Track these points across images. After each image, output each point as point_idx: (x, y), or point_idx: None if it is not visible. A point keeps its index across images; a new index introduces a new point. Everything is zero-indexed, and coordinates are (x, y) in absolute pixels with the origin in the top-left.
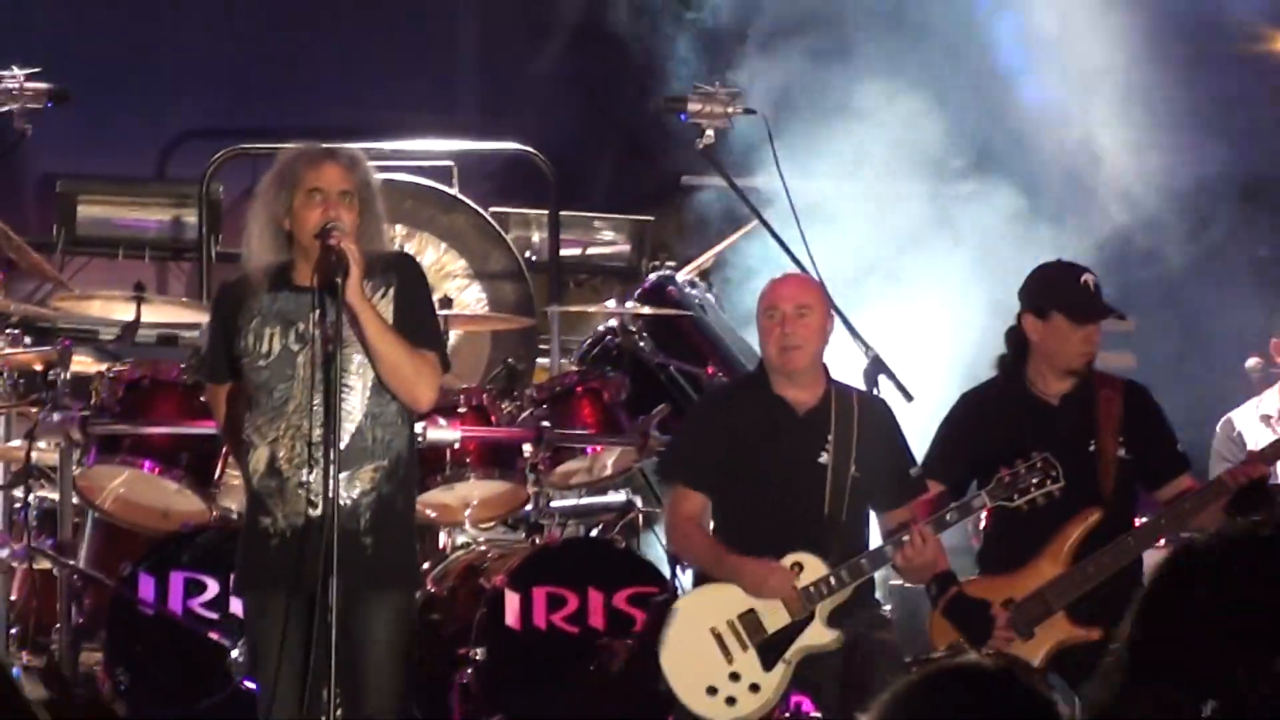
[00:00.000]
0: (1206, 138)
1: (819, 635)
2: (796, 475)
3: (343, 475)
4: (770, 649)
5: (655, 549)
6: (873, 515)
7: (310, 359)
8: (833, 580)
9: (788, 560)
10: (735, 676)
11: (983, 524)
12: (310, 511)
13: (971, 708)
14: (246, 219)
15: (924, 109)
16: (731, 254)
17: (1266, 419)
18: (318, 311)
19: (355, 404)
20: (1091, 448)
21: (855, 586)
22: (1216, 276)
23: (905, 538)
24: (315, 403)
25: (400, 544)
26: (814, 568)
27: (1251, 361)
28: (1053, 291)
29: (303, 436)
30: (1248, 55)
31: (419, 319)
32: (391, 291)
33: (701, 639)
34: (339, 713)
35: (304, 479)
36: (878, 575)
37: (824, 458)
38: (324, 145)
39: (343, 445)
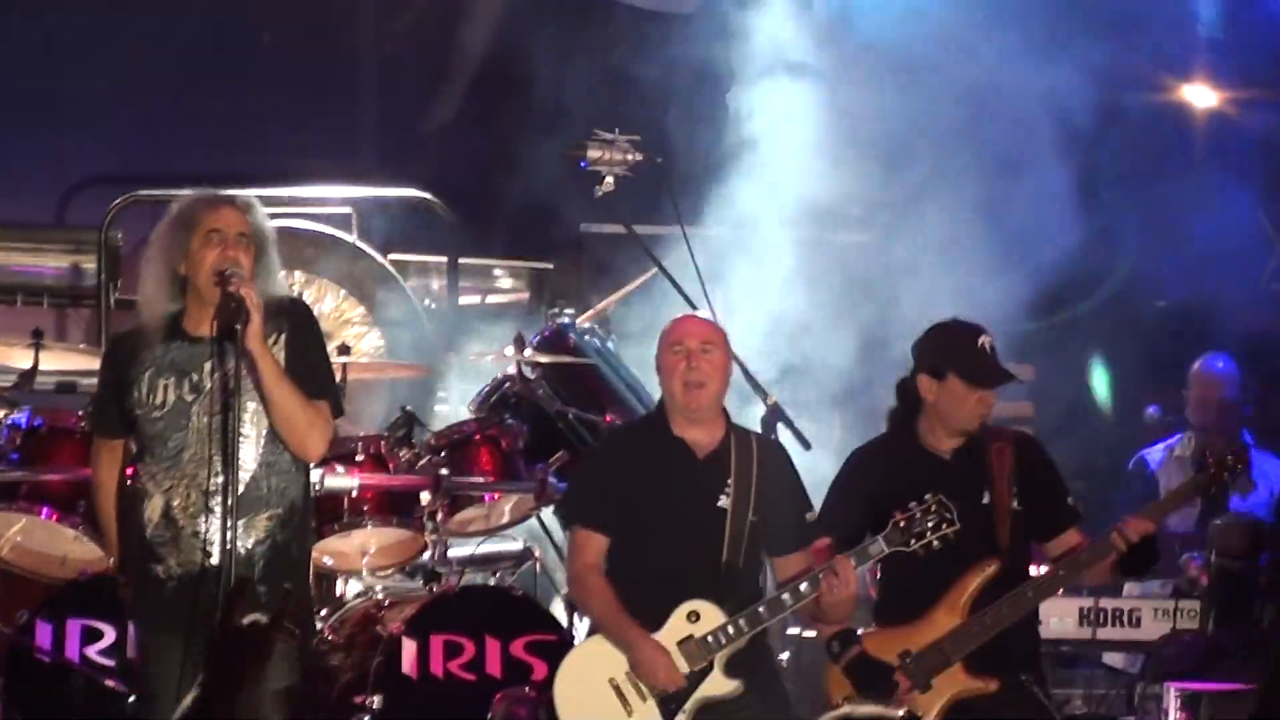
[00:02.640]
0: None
1: (718, 685)
2: (695, 520)
3: (239, 523)
4: (670, 700)
5: (553, 596)
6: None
7: (205, 408)
8: (730, 629)
9: (685, 609)
10: None
11: (878, 575)
12: (205, 561)
13: None
14: (142, 266)
15: (822, 159)
16: (631, 301)
17: (1180, 461)
18: (215, 359)
19: (250, 453)
20: (985, 499)
21: (752, 635)
22: (1114, 327)
23: (822, 574)
24: (211, 452)
25: (296, 591)
26: (711, 616)
27: (1150, 410)
28: (950, 353)
29: (198, 485)
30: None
31: (310, 366)
32: (283, 338)
33: (600, 690)
34: None
35: (198, 528)
36: (776, 626)
37: (723, 501)
38: (218, 191)
39: (238, 493)
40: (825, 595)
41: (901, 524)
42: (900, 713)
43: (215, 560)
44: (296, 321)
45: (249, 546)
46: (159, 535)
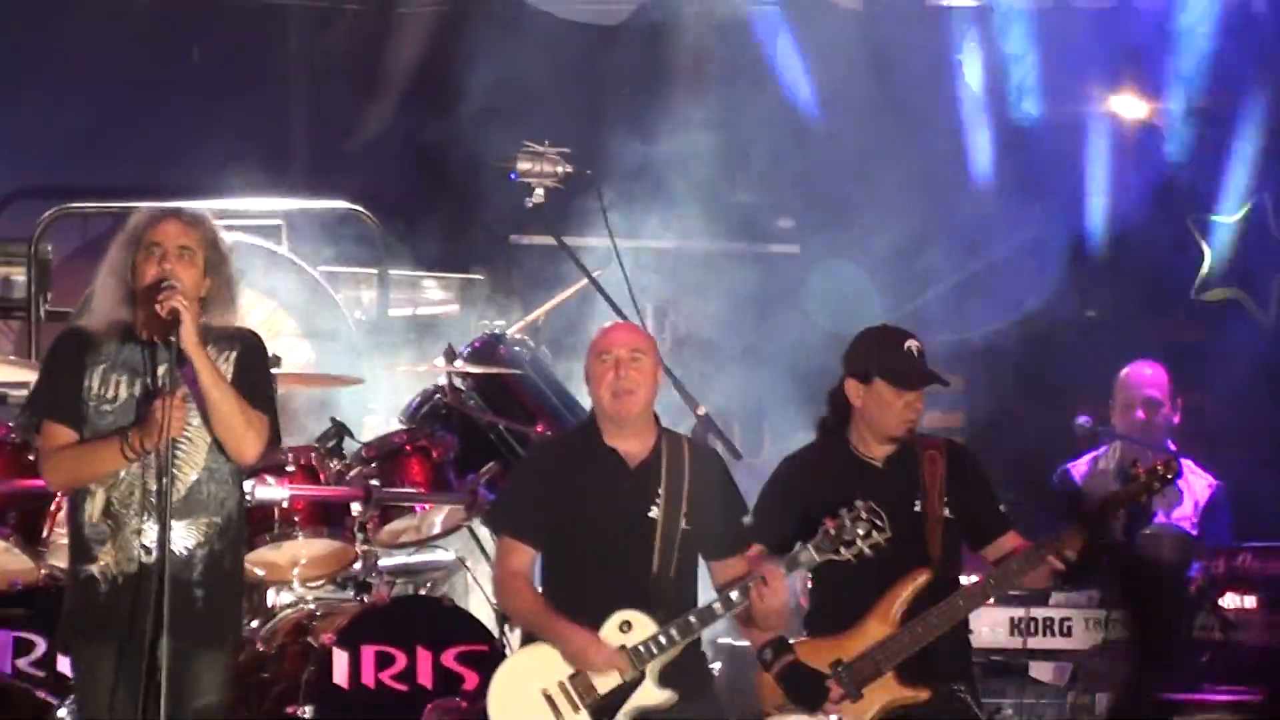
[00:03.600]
0: (1035, 199)
1: (650, 695)
2: (626, 530)
3: (179, 525)
4: (602, 710)
5: (484, 607)
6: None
7: None
8: (662, 639)
9: (616, 619)
10: None
11: (808, 584)
12: (143, 558)
13: None
14: (94, 280)
15: (753, 172)
16: (561, 312)
17: (1104, 474)
18: (152, 364)
19: (197, 458)
20: (917, 508)
21: (685, 644)
22: (1046, 335)
23: (752, 583)
24: (160, 452)
25: (230, 602)
26: (643, 626)
27: (1080, 420)
28: (876, 357)
29: (140, 485)
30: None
31: (255, 383)
32: (233, 356)
33: (532, 700)
34: None
35: (138, 526)
36: (707, 635)
37: (654, 512)
38: (169, 206)
39: (180, 497)
40: (756, 604)
41: (831, 531)
42: None
43: (152, 558)
44: (249, 345)
45: (189, 548)
46: (98, 532)
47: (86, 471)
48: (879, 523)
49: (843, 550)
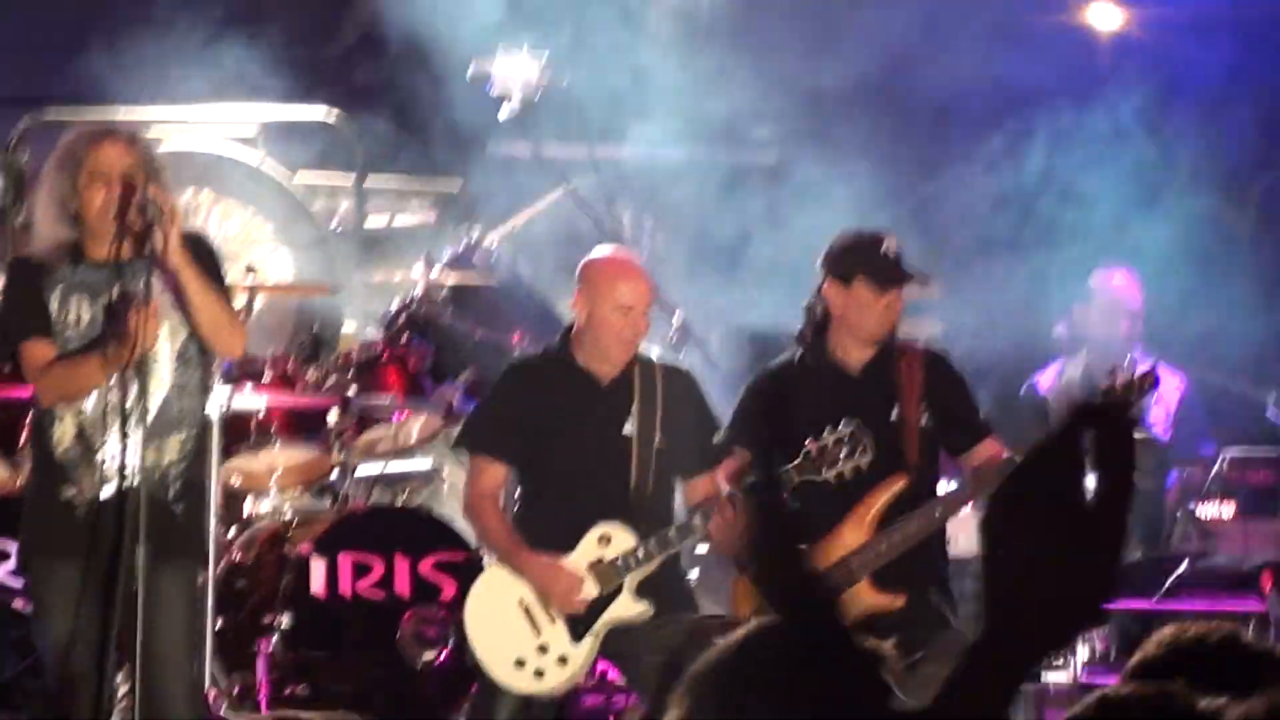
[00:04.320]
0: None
1: (627, 607)
2: (601, 447)
3: (152, 445)
4: (578, 621)
5: (460, 515)
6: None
7: None
8: (640, 553)
9: (595, 532)
10: (543, 649)
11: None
12: (116, 480)
13: (787, 665)
14: (34, 199)
15: (733, 77)
16: (538, 221)
17: (1070, 385)
18: (114, 279)
19: (164, 373)
20: (894, 416)
21: (663, 558)
22: (1025, 241)
23: (713, 512)
24: (127, 373)
25: (201, 514)
26: (622, 539)
27: (1059, 329)
28: (854, 258)
29: (111, 408)
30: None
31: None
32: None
33: (509, 611)
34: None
35: (111, 448)
36: (686, 548)
37: (628, 428)
38: (103, 124)
39: (151, 415)
40: (714, 533)
41: (814, 454)
42: None
43: (131, 483)
44: (202, 252)
45: (163, 467)
46: (70, 457)
47: (74, 388)
48: (863, 445)
49: (824, 471)
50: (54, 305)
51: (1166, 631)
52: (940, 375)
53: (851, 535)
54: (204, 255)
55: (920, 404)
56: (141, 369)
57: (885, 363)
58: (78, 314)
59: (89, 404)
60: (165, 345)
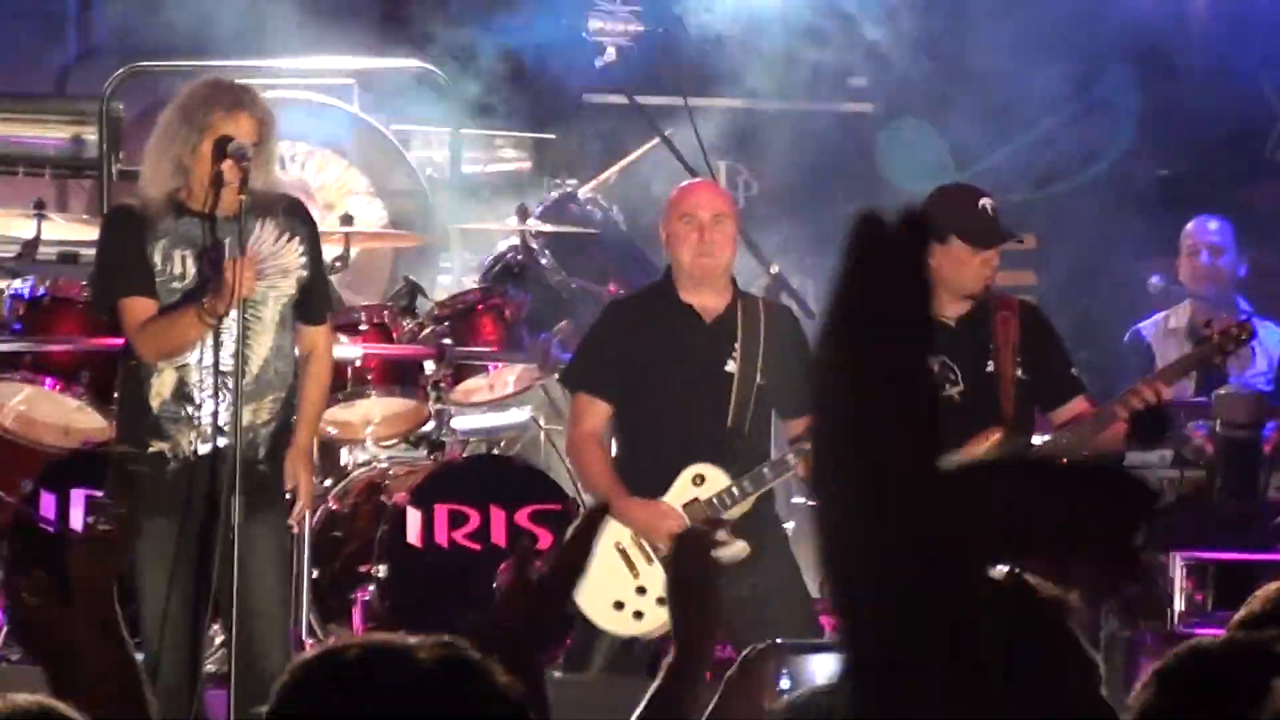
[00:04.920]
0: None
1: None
2: (702, 384)
3: (249, 406)
4: None
5: (558, 466)
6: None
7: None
8: (735, 491)
9: (689, 472)
10: (642, 590)
11: None
12: (215, 437)
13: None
14: (147, 147)
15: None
16: (633, 171)
17: (1174, 334)
18: (214, 234)
19: (265, 338)
20: (990, 369)
21: (757, 498)
22: (1117, 195)
23: (808, 446)
24: (240, 333)
25: (283, 470)
26: (716, 479)
27: (1154, 280)
28: (951, 216)
29: (210, 366)
30: None
31: (326, 284)
32: (298, 240)
33: (607, 554)
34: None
35: (211, 406)
36: (781, 496)
37: (730, 366)
38: (234, 86)
39: (251, 377)
40: (805, 470)
41: None
42: None
43: (224, 442)
44: (311, 229)
45: (256, 427)
46: (168, 412)
47: (173, 343)
48: (952, 376)
49: None
50: (157, 258)
51: (1272, 587)
52: (1036, 329)
53: None
54: (313, 244)
55: (1015, 357)
56: (245, 329)
57: (981, 316)
58: (182, 268)
59: (191, 358)
60: (269, 309)
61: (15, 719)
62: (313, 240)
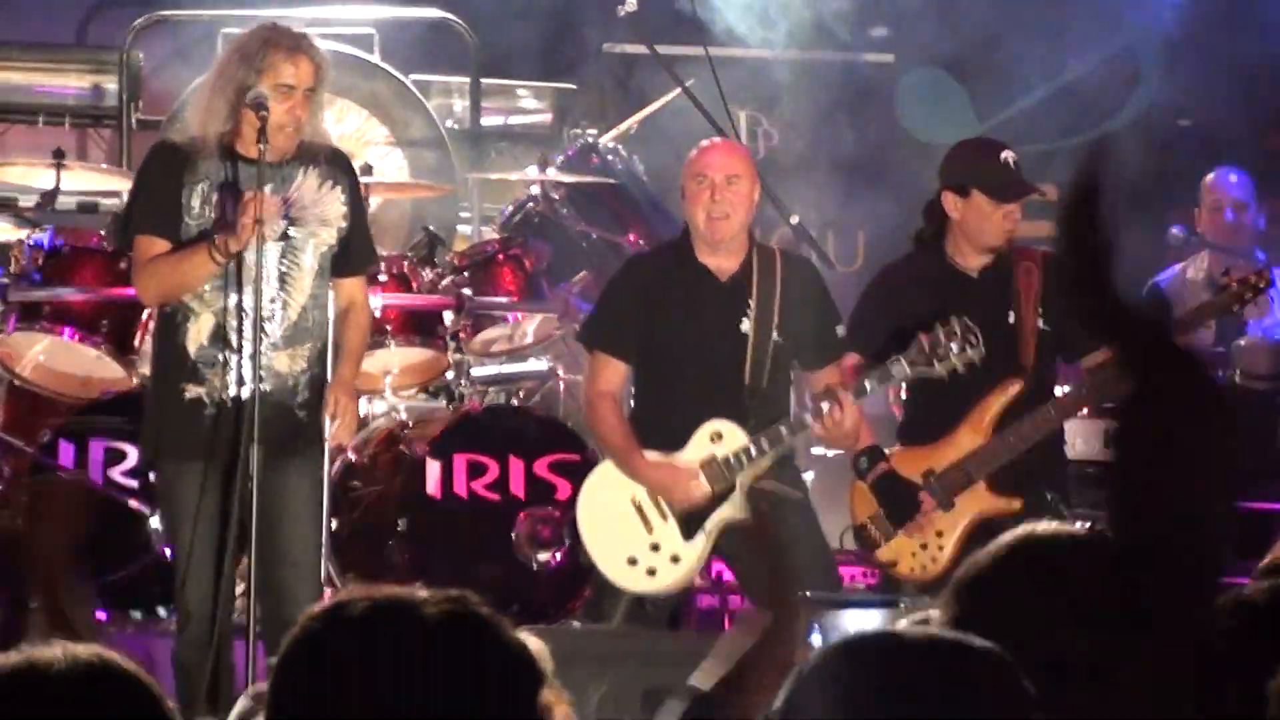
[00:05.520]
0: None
1: (740, 507)
2: (717, 343)
3: (286, 352)
4: (691, 519)
5: (576, 416)
6: (794, 377)
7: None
8: (752, 449)
9: (707, 429)
10: (655, 547)
11: (903, 395)
12: (260, 385)
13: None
14: (199, 86)
15: None
16: (654, 121)
17: (1193, 285)
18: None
19: (306, 285)
20: (1011, 319)
21: (775, 455)
22: (1139, 144)
23: (825, 406)
24: (281, 278)
25: (321, 418)
26: (734, 437)
27: (1174, 230)
28: (973, 169)
29: (251, 310)
30: None
31: (366, 235)
32: (340, 190)
33: (623, 509)
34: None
35: (250, 352)
36: (799, 446)
37: (745, 325)
38: (294, 31)
39: (290, 324)
40: (824, 428)
41: (925, 345)
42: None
43: (267, 386)
44: (353, 179)
45: (295, 373)
46: (205, 356)
47: (177, 281)
48: (973, 339)
49: (936, 365)
50: (195, 200)
51: None
52: (1058, 280)
53: (968, 438)
54: (355, 194)
55: (1037, 308)
56: (284, 275)
57: (1003, 267)
58: (220, 212)
59: (230, 303)
60: (307, 256)
61: (75, 669)
62: (354, 191)
